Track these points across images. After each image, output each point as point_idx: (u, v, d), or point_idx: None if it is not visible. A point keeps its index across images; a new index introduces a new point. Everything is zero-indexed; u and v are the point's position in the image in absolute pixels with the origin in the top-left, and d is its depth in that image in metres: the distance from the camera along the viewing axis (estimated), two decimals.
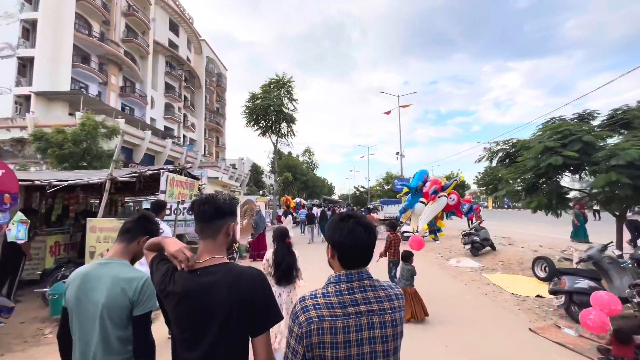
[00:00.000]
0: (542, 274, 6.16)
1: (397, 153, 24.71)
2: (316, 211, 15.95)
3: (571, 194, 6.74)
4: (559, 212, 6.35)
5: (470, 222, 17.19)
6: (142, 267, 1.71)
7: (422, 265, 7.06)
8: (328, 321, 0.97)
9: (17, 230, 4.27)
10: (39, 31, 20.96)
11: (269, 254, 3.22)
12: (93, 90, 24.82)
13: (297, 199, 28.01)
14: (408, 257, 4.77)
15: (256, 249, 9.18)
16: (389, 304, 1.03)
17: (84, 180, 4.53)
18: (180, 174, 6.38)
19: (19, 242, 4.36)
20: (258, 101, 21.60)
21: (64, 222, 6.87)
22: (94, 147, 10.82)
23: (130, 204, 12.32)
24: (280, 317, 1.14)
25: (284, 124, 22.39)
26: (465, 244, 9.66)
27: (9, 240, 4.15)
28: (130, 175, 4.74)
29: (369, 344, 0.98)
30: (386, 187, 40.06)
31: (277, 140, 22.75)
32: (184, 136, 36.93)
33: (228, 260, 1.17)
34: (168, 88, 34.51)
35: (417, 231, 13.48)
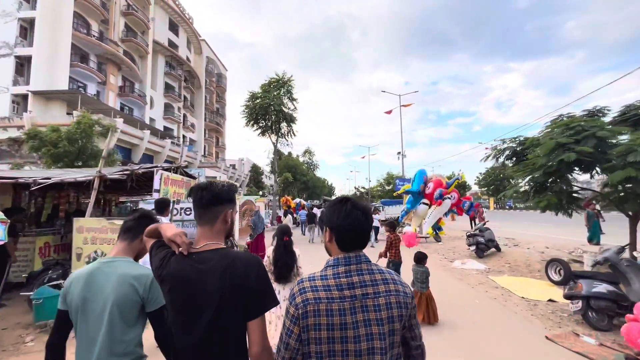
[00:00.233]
0: (556, 278, 5.86)
1: (399, 153, 24.41)
2: (316, 212, 15.78)
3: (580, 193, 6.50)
4: (570, 212, 6.10)
5: (472, 221, 16.97)
6: (145, 264, 1.71)
7: None
8: (324, 303, 0.98)
9: None
10: (37, 30, 20.78)
11: (270, 250, 3.24)
12: (92, 89, 24.61)
13: (297, 200, 27.73)
14: (422, 258, 4.48)
15: (254, 250, 8.91)
16: (385, 287, 1.02)
17: (70, 178, 4.28)
18: (176, 173, 6.14)
19: None
20: (258, 100, 21.36)
21: (54, 222, 6.61)
22: (90, 146, 10.58)
23: (129, 204, 12.09)
24: (276, 302, 1.12)
25: (284, 124, 22.16)
26: (470, 245, 9.39)
27: None
28: (120, 172, 4.49)
29: (364, 326, 0.98)
30: (387, 188, 39.76)
31: (277, 140, 22.51)
32: (184, 136, 36.70)
33: (224, 246, 1.16)
34: (167, 88, 34.30)
35: (419, 232, 13.25)
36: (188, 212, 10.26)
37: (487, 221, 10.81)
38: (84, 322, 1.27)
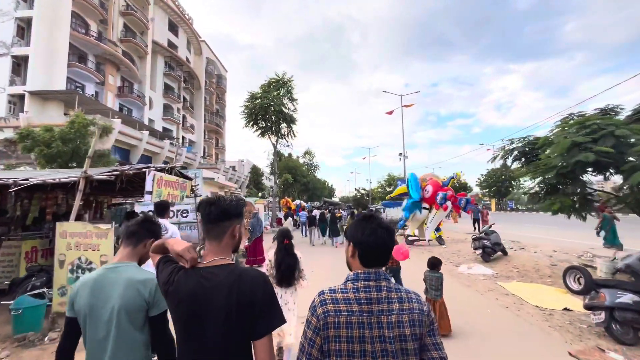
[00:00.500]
0: (575, 287, 5.46)
1: (400, 154, 24.19)
2: (316, 213, 15.55)
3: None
4: (584, 215, 5.80)
5: (476, 224, 16.64)
6: (150, 269, 1.69)
7: None
8: (345, 315, 1.00)
9: None
10: (34, 29, 20.59)
11: (271, 254, 3.17)
12: (90, 90, 24.37)
13: (297, 201, 27.44)
14: (436, 264, 4.14)
15: (252, 254, 8.60)
16: (399, 305, 1.03)
17: (54, 179, 3.99)
18: (170, 173, 5.84)
19: None
20: (257, 101, 21.10)
21: (42, 225, 6.31)
22: (84, 146, 10.29)
23: (127, 205, 11.80)
24: (282, 321, 1.10)
25: (283, 125, 21.90)
26: (475, 248, 9.08)
27: None
28: (108, 173, 4.19)
29: (379, 342, 0.99)
30: (388, 189, 39.44)
31: (277, 141, 22.24)
32: (183, 137, 36.46)
33: (232, 262, 1.16)
34: (167, 89, 34.08)
35: (417, 235, 12.95)
36: (185, 215, 9.93)
37: (493, 223, 10.48)
38: (92, 328, 1.28)
